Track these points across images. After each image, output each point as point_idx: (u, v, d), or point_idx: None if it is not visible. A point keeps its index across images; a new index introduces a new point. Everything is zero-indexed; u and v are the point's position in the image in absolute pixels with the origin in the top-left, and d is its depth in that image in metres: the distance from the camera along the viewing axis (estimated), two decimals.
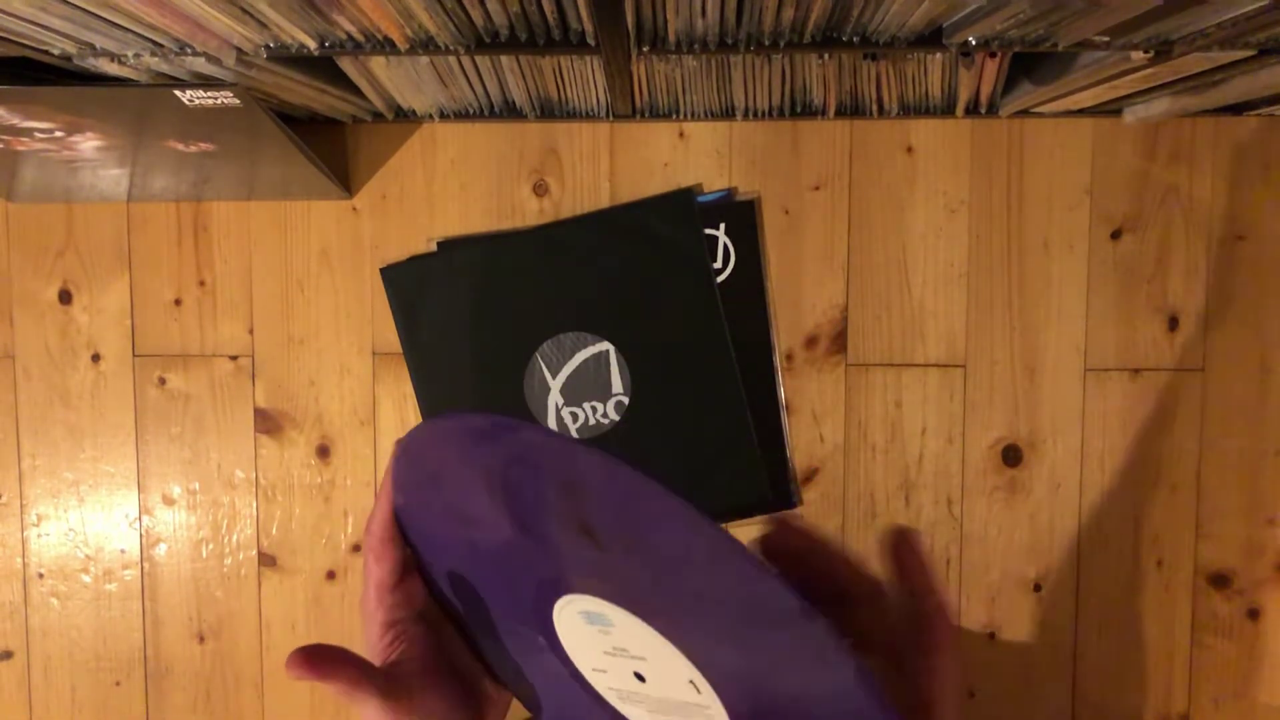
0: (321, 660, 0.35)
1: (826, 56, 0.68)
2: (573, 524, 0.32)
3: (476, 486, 0.34)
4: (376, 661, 0.39)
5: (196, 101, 0.61)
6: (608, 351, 0.81)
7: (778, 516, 0.36)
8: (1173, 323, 0.79)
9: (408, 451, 0.37)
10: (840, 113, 0.79)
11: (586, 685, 0.39)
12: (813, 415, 0.81)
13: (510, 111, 0.80)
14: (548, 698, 0.42)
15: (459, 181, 0.83)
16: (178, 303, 0.85)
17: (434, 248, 0.83)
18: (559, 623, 0.36)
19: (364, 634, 0.40)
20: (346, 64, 0.68)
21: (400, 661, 0.39)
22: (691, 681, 0.34)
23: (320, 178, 0.77)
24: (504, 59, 0.68)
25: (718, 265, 0.80)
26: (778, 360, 0.81)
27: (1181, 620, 0.81)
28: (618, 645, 0.35)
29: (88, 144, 0.70)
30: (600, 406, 0.81)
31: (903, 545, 0.38)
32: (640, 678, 0.36)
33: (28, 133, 0.67)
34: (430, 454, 0.36)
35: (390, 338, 0.83)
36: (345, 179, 0.83)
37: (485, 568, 0.37)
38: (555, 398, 0.81)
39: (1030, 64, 0.72)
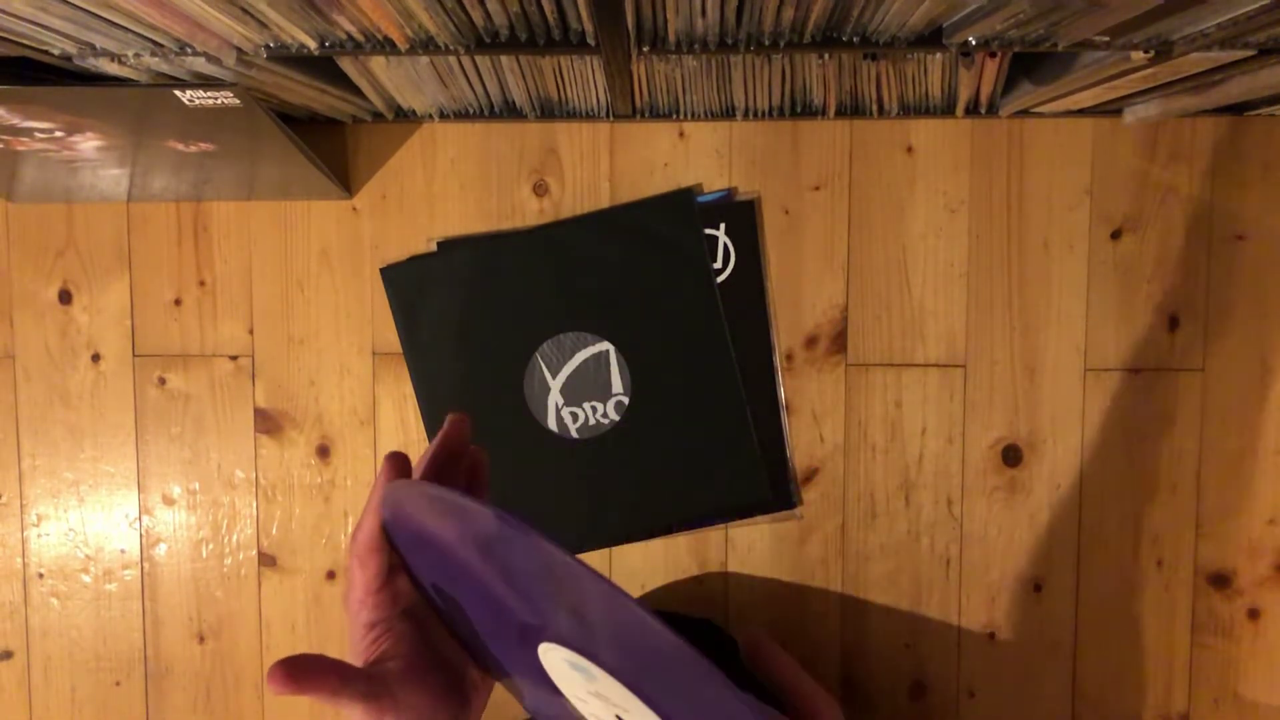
0: (301, 673, 0.35)
1: (826, 56, 0.68)
2: (565, 606, 0.32)
3: (469, 547, 0.34)
4: (360, 660, 0.39)
5: (196, 101, 0.61)
6: (608, 351, 0.81)
7: (753, 634, 0.38)
8: (1173, 322, 0.79)
9: (400, 491, 0.37)
10: (840, 113, 0.79)
11: (566, 700, 0.39)
12: (813, 415, 0.81)
13: (510, 111, 0.80)
14: (528, 693, 0.42)
15: (459, 181, 0.83)
16: (178, 303, 0.85)
17: (434, 248, 0.83)
18: (543, 656, 0.36)
19: (348, 633, 0.40)
20: (346, 64, 0.68)
21: (383, 660, 0.39)
22: None
23: (320, 178, 0.77)
24: (504, 59, 0.68)
25: (718, 265, 0.80)
26: (778, 360, 0.81)
27: (1181, 620, 0.81)
28: (601, 692, 0.35)
29: (88, 144, 0.70)
30: (600, 406, 0.81)
31: (757, 650, 0.41)
32: None
33: (28, 132, 0.67)
34: (424, 509, 0.35)
35: (390, 338, 0.83)
36: (345, 179, 0.83)
37: (471, 594, 0.37)
38: (555, 398, 0.81)
39: (1030, 64, 0.72)
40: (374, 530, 0.39)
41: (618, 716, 0.36)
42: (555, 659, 0.35)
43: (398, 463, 0.41)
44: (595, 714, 0.37)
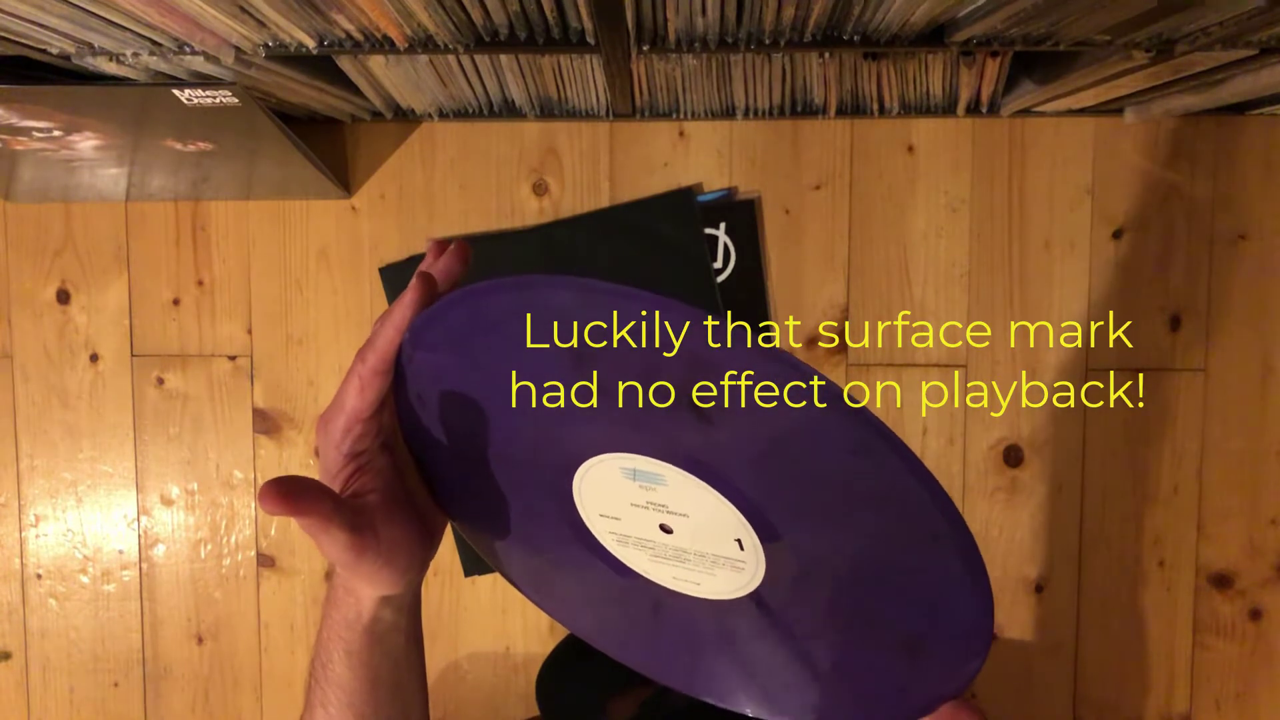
0: (296, 494, 0.33)
1: (827, 55, 0.68)
2: (677, 396, 0.31)
3: (554, 344, 0.33)
4: (334, 488, 0.38)
5: (195, 101, 0.60)
6: None
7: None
8: (1174, 322, 0.79)
9: (468, 297, 0.34)
10: (841, 112, 0.79)
11: (579, 524, 0.38)
12: None
13: (510, 111, 0.80)
14: (521, 527, 0.42)
15: (458, 181, 0.82)
16: (176, 303, 0.85)
17: None
18: (583, 473, 0.35)
19: (321, 457, 0.39)
20: (345, 63, 0.68)
21: (363, 493, 0.38)
22: (738, 540, 0.34)
23: (319, 177, 0.77)
24: (503, 58, 0.68)
25: (718, 265, 0.80)
26: None
27: (1183, 621, 0.80)
28: (656, 501, 0.35)
29: (86, 143, 0.69)
30: None
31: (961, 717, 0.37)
32: (666, 529, 0.36)
33: (26, 132, 0.67)
34: (503, 303, 0.33)
35: None
36: (344, 178, 0.82)
37: (506, 414, 0.36)
38: None
39: (1031, 63, 0.72)
40: (390, 349, 0.37)
41: (662, 526, 0.35)
42: (606, 472, 0.34)
43: (429, 285, 0.38)
44: (620, 531, 0.37)
